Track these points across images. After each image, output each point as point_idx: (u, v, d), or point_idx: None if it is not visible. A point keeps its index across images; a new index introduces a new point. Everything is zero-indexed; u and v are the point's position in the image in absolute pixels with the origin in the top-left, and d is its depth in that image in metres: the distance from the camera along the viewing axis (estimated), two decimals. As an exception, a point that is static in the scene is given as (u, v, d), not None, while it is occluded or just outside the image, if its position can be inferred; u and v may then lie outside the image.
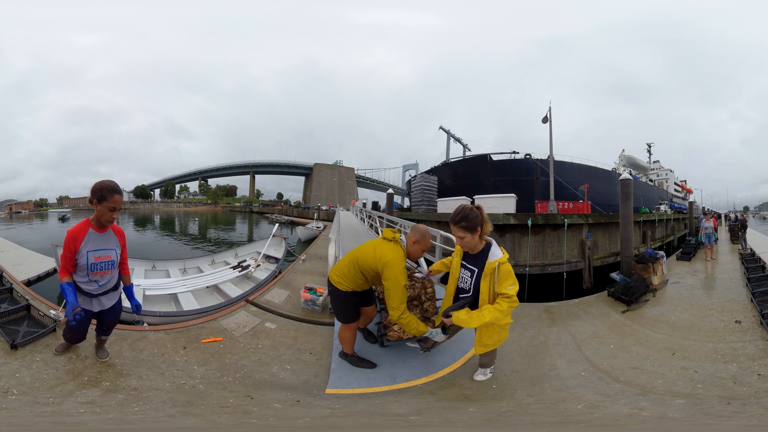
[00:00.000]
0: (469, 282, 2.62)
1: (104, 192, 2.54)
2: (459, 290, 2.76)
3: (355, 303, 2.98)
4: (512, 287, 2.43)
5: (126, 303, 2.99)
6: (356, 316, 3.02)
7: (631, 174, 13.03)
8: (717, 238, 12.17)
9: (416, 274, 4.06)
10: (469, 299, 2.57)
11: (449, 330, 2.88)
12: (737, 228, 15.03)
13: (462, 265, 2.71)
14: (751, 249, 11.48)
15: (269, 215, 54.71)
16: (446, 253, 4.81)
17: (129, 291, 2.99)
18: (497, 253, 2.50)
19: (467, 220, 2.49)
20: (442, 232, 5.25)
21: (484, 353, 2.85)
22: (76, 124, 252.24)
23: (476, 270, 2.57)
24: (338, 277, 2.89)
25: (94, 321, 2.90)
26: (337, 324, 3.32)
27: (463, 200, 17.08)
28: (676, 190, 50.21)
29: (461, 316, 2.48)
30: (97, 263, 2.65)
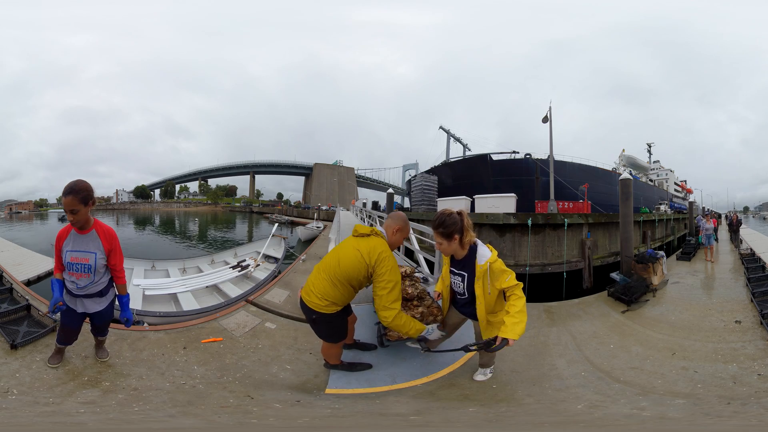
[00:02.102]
0: (461, 286, 2.60)
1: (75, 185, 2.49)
2: (454, 293, 2.77)
3: (345, 319, 2.78)
4: (510, 277, 2.43)
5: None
6: (346, 330, 2.85)
7: (631, 174, 13.00)
8: (717, 239, 12.04)
9: (416, 274, 4.06)
10: (483, 343, 2.49)
11: (447, 327, 2.89)
12: (733, 228, 15.18)
13: (451, 272, 2.67)
14: (751, 249, 11.46)
15: (269, 215, 54.70)
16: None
17: (121, 301, 2.84)
18: (485, 254, 2.45)
19: (444, 226, 2.44)
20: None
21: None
22: (73, 124, 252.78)
23: (466, 274, 2.54)
24: (321, 300, 2.51)
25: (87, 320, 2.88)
26: None
27: (463, 200, 17.08)
28: (676, 190, 50.23)
29: (511, 334, 2.29)
30: (73, 263, 2.58)
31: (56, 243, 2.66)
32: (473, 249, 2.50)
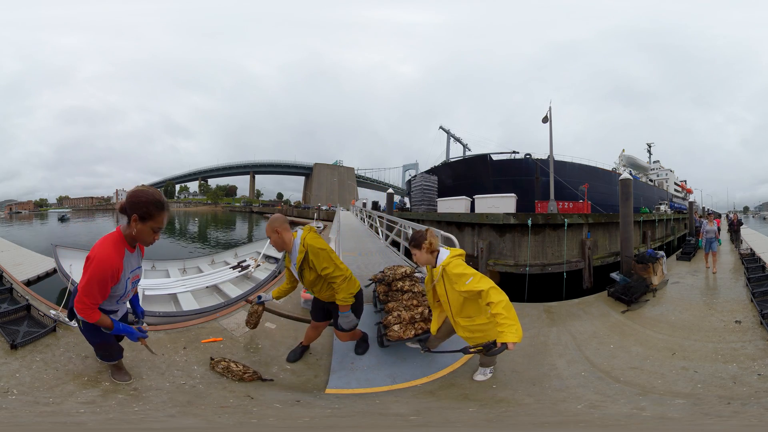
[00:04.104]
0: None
1: (151, 208, 2.03)
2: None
3: (313, 303, 3.17)
4: (470, 280, 2.43)
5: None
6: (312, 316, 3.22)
7: (631, 174, 12.99)
8: (721, 242, 10.19)
9: (416, 274, 4.07)
10: (483, 347, 2.48)
11: (446, 327, 2.93)
12: (734, 228, 15.08)
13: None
14: (751, 249, 11.43)
15: (269, 215, 54.62)
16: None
17: (134, 299, 2.81)
18: (442, 257, 2.67)
19: (414, 239, 2.78)
20: (442, 232, 5.25)
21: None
22: (71, 124, 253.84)
23: None
24: None
25: None
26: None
27: (463, 200, 17.09)
28: (676, 190, 50.17)
29: (509, 338, 2.25)
30: (134, 282, 2.40)
31: (109, 276, 2.07)
32: (438, 256, 2.71)
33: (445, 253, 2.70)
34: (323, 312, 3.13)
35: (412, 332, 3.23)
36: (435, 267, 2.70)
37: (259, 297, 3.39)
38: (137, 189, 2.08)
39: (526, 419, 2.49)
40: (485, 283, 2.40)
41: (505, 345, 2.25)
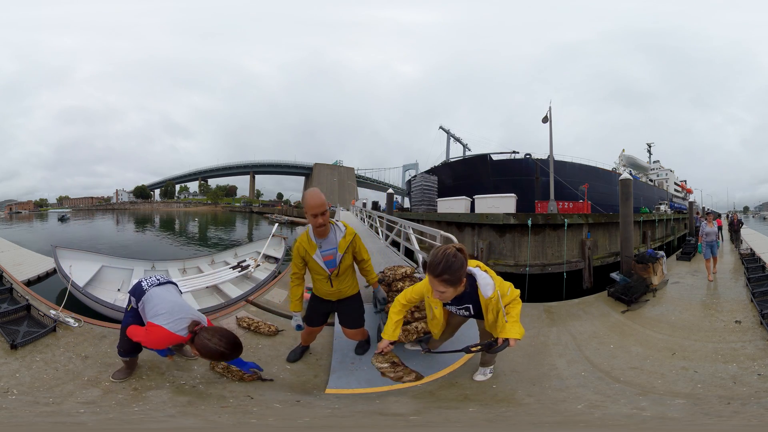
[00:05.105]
0: (466, 314, 2.50)
1: (226, 358, 2.41)
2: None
3: (311, 307, 3.09)
4: (510, 290, 2.38)
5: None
6: (308, 321, 3.09)
7: (631, 174, 12.99)
8: (720, 244, 9.28)
9: (416, 275, 4.06)
10: (485, 345, 2.44)
11: (448, 328, 2.90)
12: (734, 228, 15.06)
13: (447, 305, 2.51)
14: (751, 249, 11.43)
15: (269, 215, 54.66)
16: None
17: (239, 362, 2.81)
18: (489, 282, 2.22)
19: (451, 272, 1.98)
20: (441, 232, 5.24)
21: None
22: (70, 124, 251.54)
23: (470, 306, 2.40)
24: None
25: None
26: (337, 326, 3.40)
27: (463, 200, 17.09)
28: (676, 190, 50.15)
29: (512, 334, 2.22)
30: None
31: (158, 346, 2.56)
32: (472, 280, 2.25)
33: (484, 277, 2.23)
34: (322, 316, 3.10)
35: (414, 336, 3.23)
36: (486, 296, 2.22)
37: (299, 326, 3.11)
38: (210, 345, 2.32)
39: (526, 419, 2.49)
40: (514, 288, 2.40)
41: (507, 341, 2.24)
